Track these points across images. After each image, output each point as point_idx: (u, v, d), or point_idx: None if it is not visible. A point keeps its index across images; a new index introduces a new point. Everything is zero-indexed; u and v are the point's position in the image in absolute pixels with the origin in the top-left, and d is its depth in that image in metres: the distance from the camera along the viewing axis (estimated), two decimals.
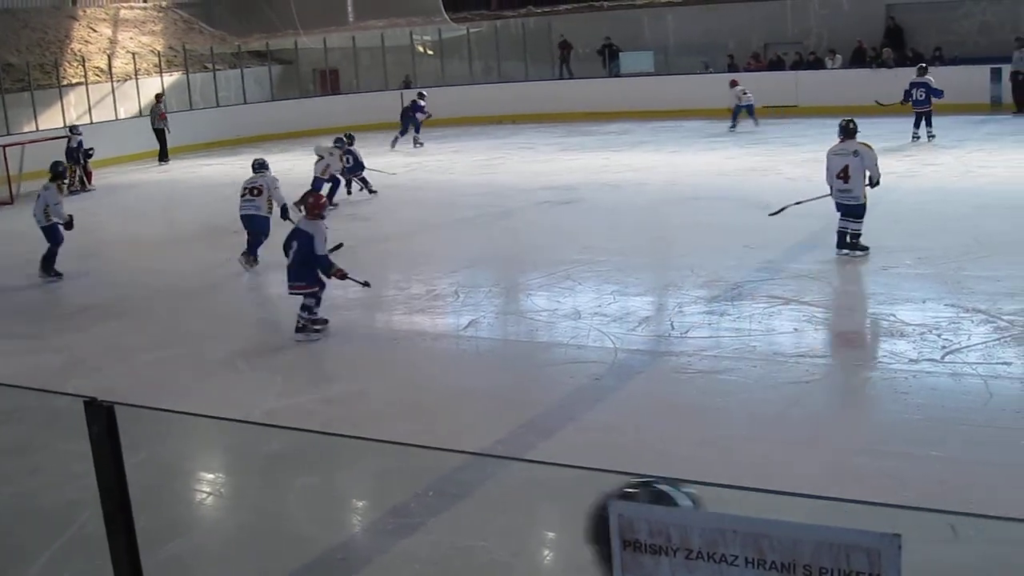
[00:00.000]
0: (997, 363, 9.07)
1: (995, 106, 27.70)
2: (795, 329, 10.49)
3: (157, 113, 29.64)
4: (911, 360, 9.26)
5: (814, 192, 14.37)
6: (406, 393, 9.57)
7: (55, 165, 17.19)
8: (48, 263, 15.33)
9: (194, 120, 31.32)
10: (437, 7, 38.83)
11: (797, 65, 32.11)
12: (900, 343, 9.74)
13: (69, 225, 15.64)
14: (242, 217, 15.41)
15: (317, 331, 11.53)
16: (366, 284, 12.08)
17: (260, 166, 16.24)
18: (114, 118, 30.72)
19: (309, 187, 17.50)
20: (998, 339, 9.68)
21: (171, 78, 34.18)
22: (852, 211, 13.59)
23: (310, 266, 11.60)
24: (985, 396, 8.36)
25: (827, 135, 25.16)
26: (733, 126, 27.86)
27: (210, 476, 8.28)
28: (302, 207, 12.62)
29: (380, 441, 4.00)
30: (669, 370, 9.72)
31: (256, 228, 15.20)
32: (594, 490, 2.58)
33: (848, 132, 14.21)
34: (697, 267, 13.11)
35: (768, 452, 7.67)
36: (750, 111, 27.91)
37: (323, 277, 11.64)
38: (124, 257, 17.52)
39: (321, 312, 11.71)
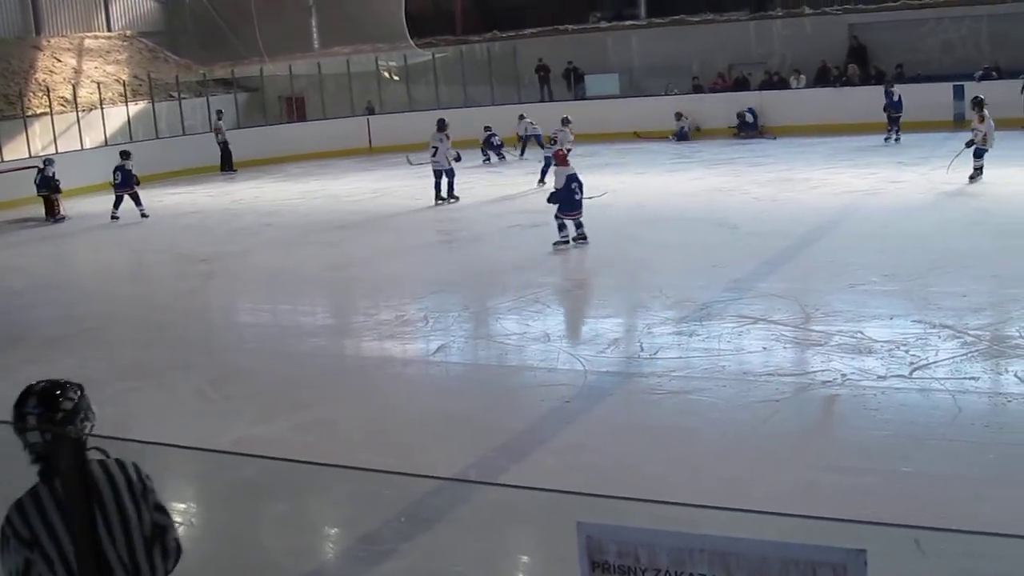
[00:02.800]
0: (965, 378, 9.12)
1: (958, 123, 27.91)
2: (764, 348, 10.52)
3: (216, 128, 31.83)
4: (879, 377, 9.30)
5: (782, 212, 14.43)
6: (376, 419, 9.55)
7: None
8: None
9: (160, 148, 31.23)
10: (402, 33, 38.86)
11: (762, 85, 32.31)
12: (868, 360, 9.79)
13: None
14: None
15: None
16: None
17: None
18: (80, 148, 30.59)
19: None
20: (965, 354, 9.74)
21: (137, 107, 34.08)
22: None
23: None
24: (954, 411, 8.41)
25: (792, 154, 25.52)
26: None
27: (181, 506, 8.22)
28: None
29: (351, 468, 3.99)
30: (639, 391, 9.73)
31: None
32: (566, 512, 2.59)
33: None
34: (665, 288, 13.15)
35: (739, 471, 7.68)
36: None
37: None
38: (92, 287, 17.43)
39: (293, 338, 11.70)
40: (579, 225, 16.49)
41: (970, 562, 5.73)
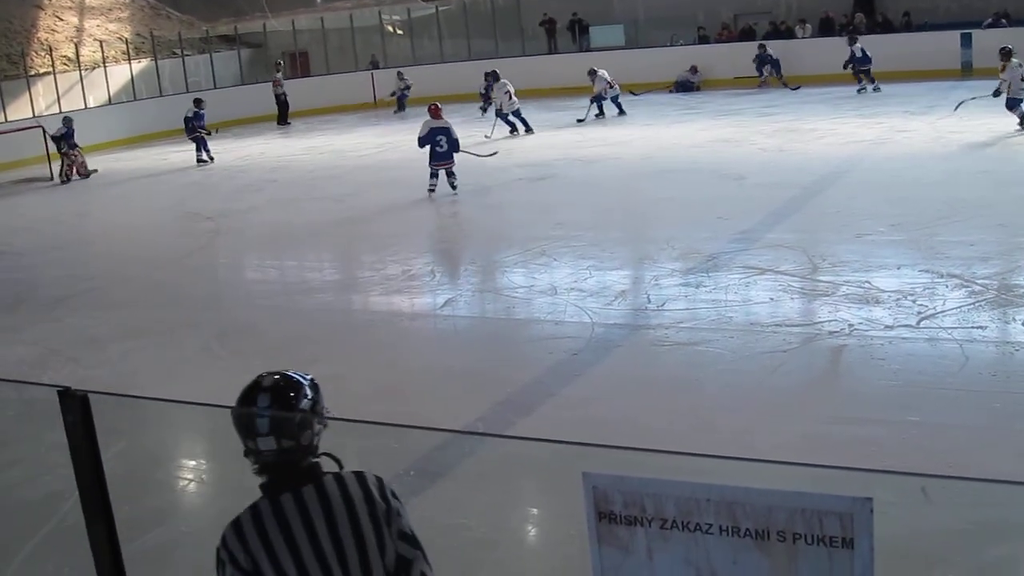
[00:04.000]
0: (972, 327, 9.11)
1: (966, 71, 27.76)
2: (771, 299, 10.51)
3: (274, 80, 31.86)
4: (887, 327, 9.29)
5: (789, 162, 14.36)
6: (384, 374, 9.56)
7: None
8: None
9: (163, 106, 31.14)
10: None
11: (768, 35, 32.12)
12: (876, 310, 9.78)
13: None
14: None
15: None
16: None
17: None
18: (83, 107, 30.52)
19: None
20: (973, 303, 9.72)
21: (140, 65, 33.99)
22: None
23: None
24: (961, 360, 8.40)
25: (798, 104, 25.37)
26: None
27: (191, 463, 8.27)
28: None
29: (360, 421, 3.97)
30: (646, 343, 9.73)
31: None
32: (573, 464, 2.58)
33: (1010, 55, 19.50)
34: (672, 240, 13.12)
35: (746, 422, 7.69)
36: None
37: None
38: (98, 246, 17.43)
39: (300, 294, 11.72)
40: (449, 174, 18.01)
41: (977, 511, 5.74)
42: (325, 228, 16.77)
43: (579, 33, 35.80)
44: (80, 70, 31.83)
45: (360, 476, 3.40)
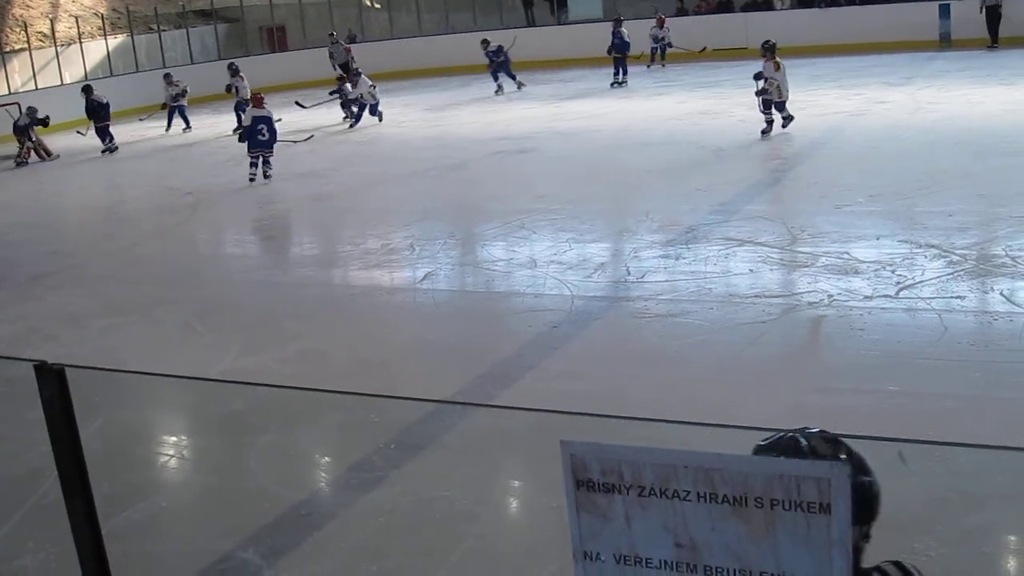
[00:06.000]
0: (951, 297, 9.14)
1: (944, 43, 27.80)
2: (750, 270, 10.53)
3: (338, 47, 32.02)
4: (866, 297, 9.32)
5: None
6: (364, 348, 9.56)
7: None
8: None
9: (140, 82, 30.94)
10: None
11: (746, 7, 32.08)
12: (855, 280, 9.81)
13: None
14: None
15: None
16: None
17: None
18: (59, 83, 30.33)
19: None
20: (951, 273, 9.76)
21: (116, 41, 33.77)
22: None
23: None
24: (940, 330, 8.44)
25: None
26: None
27: (171, 438, 8.25)
28: None
29: (341, 392, 4.01)
30: (627, 315, 9.75)
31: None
32: (554, 434, 2.58)
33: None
34: (652, 212, 13.14)
35: (727, 393, 7.72)
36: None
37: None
38: (76, 223, 17.38)
39: (279, 269, 11.71)
40: (266, 162, 18.29)
41: (957, 479, 5.78)
42: (305, 203, 16.75)
43: (557, 5, 35.68)
44: (56, 46, 31.62)
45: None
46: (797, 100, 21.18)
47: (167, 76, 27.17)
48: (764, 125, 17.90)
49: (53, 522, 6.17)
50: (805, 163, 15.58)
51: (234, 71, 26.12)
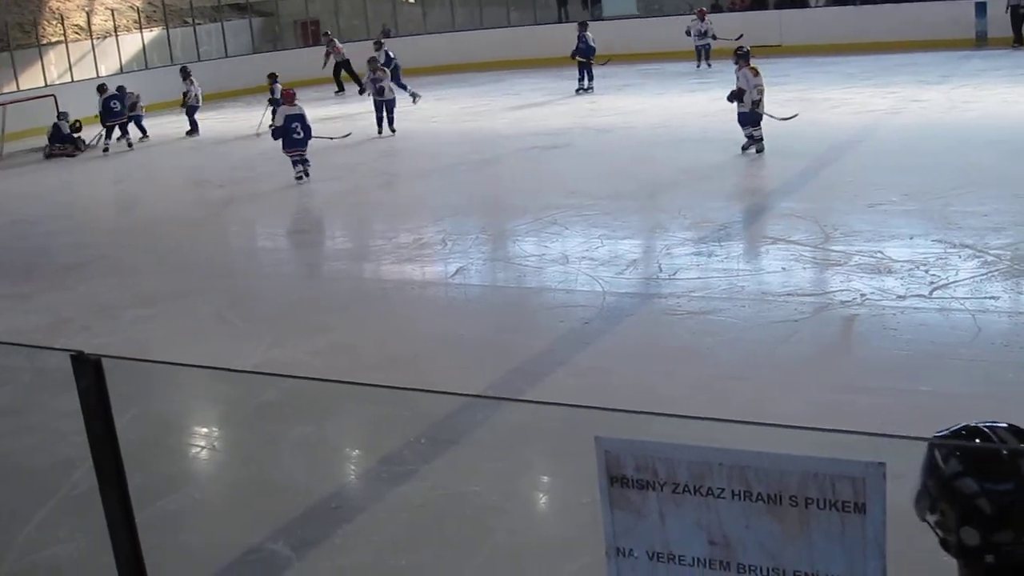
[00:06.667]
0: (985, 297, 9.08)
1: (980, 41, 27.59)
2: (783, 268, 10.49)
3: (333, 47, 31.21)
4: (899, 296, 9.27)
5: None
6: (395, 342, 9.57)
7: None
8: None
9: (175, 75, 31.07)
10: None
11: (781, 4, 31.95)
12: (888, 280, 9.76)
13: None
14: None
15: None
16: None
17: None
18: (95, 76, 30.49)
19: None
20: (985, 274, 9.69)
21: (151, 34, 33.92)
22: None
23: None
24: (973, 330, 8.38)
25: (811, 74, 25.27)
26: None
27: (203, 430, 8.29)
28: None
29: (372, 385, 3.99)
30: (658, 312, 9.73)
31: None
32: (585, 430, 2.57)
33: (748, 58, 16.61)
34: (685, 209, 13.11)
35: (758, 390, 7.69)
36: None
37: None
38: (108, 215, 17.49)
39: (312, 262, 11.74)
40: (304, 162, 17.61)
41: None
42: (337, 196, 16.79)
43: (591, 1, 35.61)
44: (92, 39, 31.80)
45: None
46: (832, 98, 21.12)
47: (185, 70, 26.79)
48: (745, 140, 16.55)
49: (84, 512, 6.24)
50: (839, 161, 15.50)
51: (185, 74, 25.95)
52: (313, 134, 17.88)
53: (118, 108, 24.10)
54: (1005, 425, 2.55)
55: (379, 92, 22.43)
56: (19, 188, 20.21)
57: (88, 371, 2.88)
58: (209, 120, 26.77)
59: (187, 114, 25.27)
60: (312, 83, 32.21)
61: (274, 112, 21.45)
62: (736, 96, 16.46)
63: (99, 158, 23.39)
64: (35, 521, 6.47)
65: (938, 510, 2.41)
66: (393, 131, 22.24)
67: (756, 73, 16.42)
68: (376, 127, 22.42)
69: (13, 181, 21.02)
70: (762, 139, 16.29)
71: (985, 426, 2.48)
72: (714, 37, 28.31)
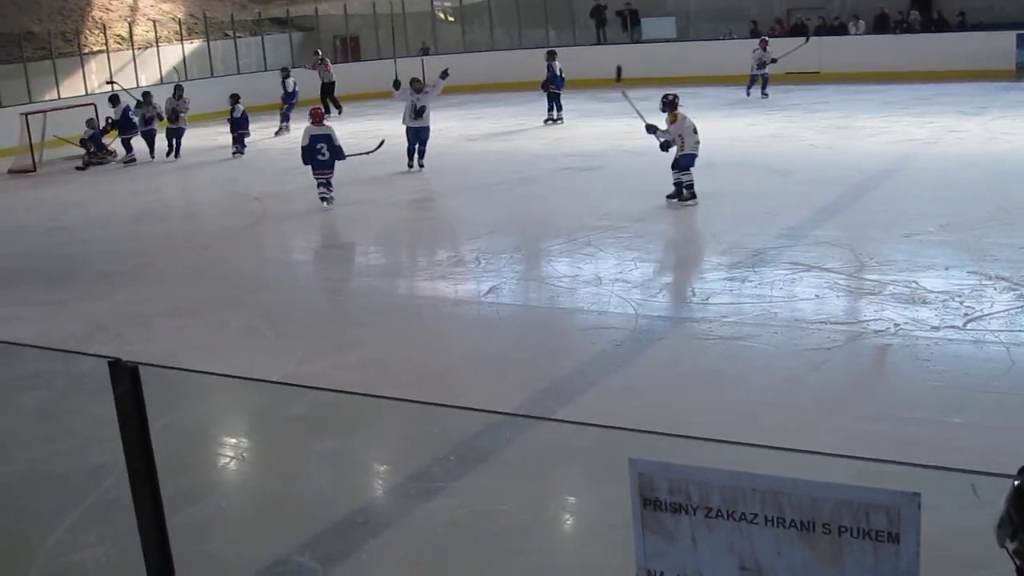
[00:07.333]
0: (1019, 330, 9.03)
1: (1020, 72, 27.48)
2: (816, 296, 10.46)
3: (323, 66, 30.94)
4: (933, 327, 9.22)
5: (837, 159, 14.25)
6: (427, 359, 9.58)
7: None
8: None
9: (214, 88, 31.27)
10: None
11: (820, 31, 31.90)
12: (922, 310, 9.71)
13: None
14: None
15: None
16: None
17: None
18: (135, 86, 30.69)
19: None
20: (1021, 306, 9.63)
21: (192, 46, 34.17)
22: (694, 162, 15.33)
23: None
24: (1007, 363, 8.33)
25: (849, 102, 25.22)
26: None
27: (232, 440, 8.32)
28: None
29: (402, 400, 4.03)
30: (690, 336, 9.71)
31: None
32: (616, 452, 2.57)
33: (677, 105, 15.69)
34: (719, 234, 13.09)
35: (788, 418, 7.66)
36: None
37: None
38: (147, 224, 17.57)
39: (345, 278, 11.76)
40: (327, 185, 16.98)
41: None
42: (372, 212, 16.83)
43: (630, 24, 35.64)
44: (133, 49, 32.05)
45: None
46: (869, 126, 21.05)
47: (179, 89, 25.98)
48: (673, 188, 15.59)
49: (114, 518, 6.27)
50: (875, 190, 15.44)
51: (179, 93, 25.34)
52: (346, 153, 17.05)
53: (136, 119, 24.35)
54: None
55: (416, 115, 19.93)
56: (58, 196, 20.36)
57: (125, 378, 2.91)
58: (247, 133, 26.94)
59: (174, 136, 24.44)
60: (351, 98, 32.36)
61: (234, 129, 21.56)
62: (663, 146, 15.89)
63: (137, 168, 23.50)
64: (65, 525, 6.50)
65: (1018, 538, 2.45)
66: (422, 166, 20.02)
67: (674, 120, 15.62)
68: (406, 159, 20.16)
69: (51, 189, 21.16)
70: (691, 185, 15.48)
71: None
72: (774, 60, 27.73)
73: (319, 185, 16.95)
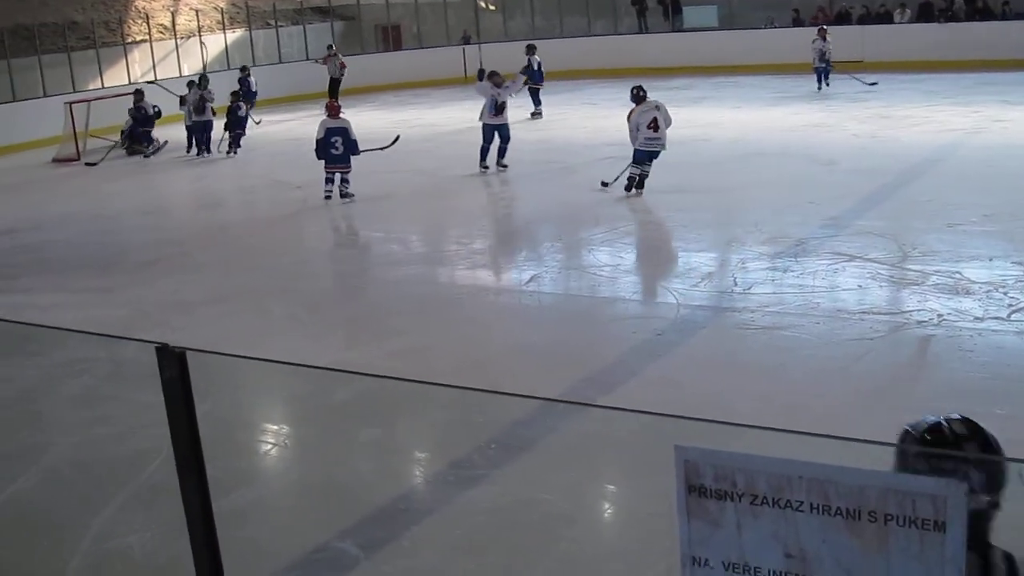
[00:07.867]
0: None
1: None
2: (859, 286, 10.41)
3: (336, 60, 30.81)
4: (976, 318, 9.17)
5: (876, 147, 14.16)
6: (468, 348, 9.60)
7: None
8: None
9: (257, 77, 31.38)
10: None
11: (864, 19, 31.68)
12: (965, 301, 9.65)
13: None
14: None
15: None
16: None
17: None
18: (178, 75, 30.86)
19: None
20: None
21: (234, 35, 34.32)
22: (657, 156, 15.34)
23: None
24: None
25: (894, 91, 25.03)
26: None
27: (274, 427, 8.37)
28: None
29: (443, 385, 4.03)
30: (732, 326, 9.69)
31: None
32: (655, 443, 2.57)
33: (641, 99, 15.79)
34: (761, 223, 13.04)
35: (830, 408, 7.64)
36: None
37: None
38: (186, 213, 17.71)
39: (386, 266, 11.80)
40: (343, 180, 16.75)
41: None
42: (413, 200, 16.87)
43: (672, 13, 35.52)
44: (176, 38, 32.23)
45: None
46: (912, 115, 20.90)
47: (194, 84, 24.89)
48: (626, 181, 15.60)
49: (159, 503, 6.33)
50: (918, 180, 15.35)
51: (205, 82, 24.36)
52: (360, 149, 16.87)
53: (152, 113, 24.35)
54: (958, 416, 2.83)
55: (497, 111, 18.69)
56: (102, 184, 20.51)
57: (172, 363, 2.93)
58: (289, 122, 27.05)
59: (204, 131, 23.65)
60: (389, 88, 32.42)
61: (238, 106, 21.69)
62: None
63: (177, 157, 23.61)
64: (109, 510, 6.57)
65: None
66: (504, 166, 18.64)
67: (639, 111, 15.59)
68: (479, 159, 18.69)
69: (95, 177, 21.32)
70: (636, 177, 15.50)
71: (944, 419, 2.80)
72: (829, 62, 26.67)
73: (327, 180, 16.71)
